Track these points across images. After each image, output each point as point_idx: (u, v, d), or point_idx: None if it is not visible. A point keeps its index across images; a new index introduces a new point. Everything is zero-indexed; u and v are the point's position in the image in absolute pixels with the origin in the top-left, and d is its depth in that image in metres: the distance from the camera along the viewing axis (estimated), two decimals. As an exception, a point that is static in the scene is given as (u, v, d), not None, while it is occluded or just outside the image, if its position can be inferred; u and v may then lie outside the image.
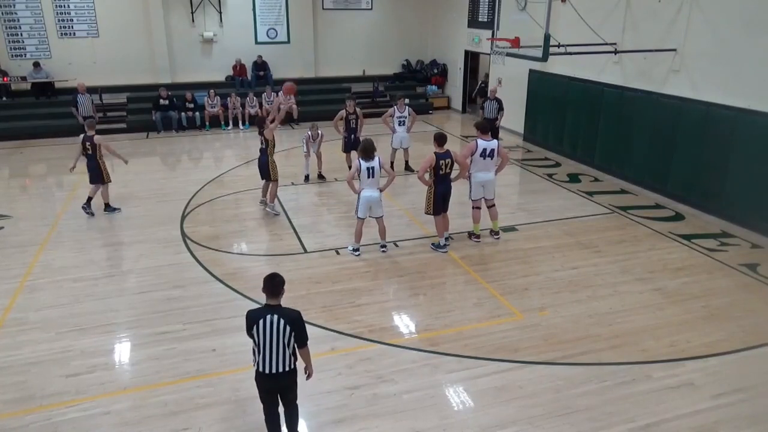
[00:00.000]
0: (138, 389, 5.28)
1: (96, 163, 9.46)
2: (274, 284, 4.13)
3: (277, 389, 4.30)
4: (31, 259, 7.96)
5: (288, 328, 4.08)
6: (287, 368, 4.17)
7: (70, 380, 5.38)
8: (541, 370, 5.56)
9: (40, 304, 6.78)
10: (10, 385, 5.32)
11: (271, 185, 9.53)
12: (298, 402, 4.49)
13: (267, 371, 4.14)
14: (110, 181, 9.78)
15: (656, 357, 5.77)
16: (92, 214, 9.57)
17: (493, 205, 8.53)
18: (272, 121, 9.34)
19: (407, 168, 11.74)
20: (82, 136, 9.62)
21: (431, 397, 5.19)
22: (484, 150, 8.09)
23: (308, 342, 4.28)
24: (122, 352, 5.90)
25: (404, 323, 6.46)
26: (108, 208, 9.77)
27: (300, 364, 4.32)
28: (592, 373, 5.52)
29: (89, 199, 9.62)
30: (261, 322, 4.07)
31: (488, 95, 12.40)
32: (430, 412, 5.00)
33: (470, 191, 8.39)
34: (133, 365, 5.68)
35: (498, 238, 8.62)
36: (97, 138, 9.46)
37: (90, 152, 9.42)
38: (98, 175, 9.52)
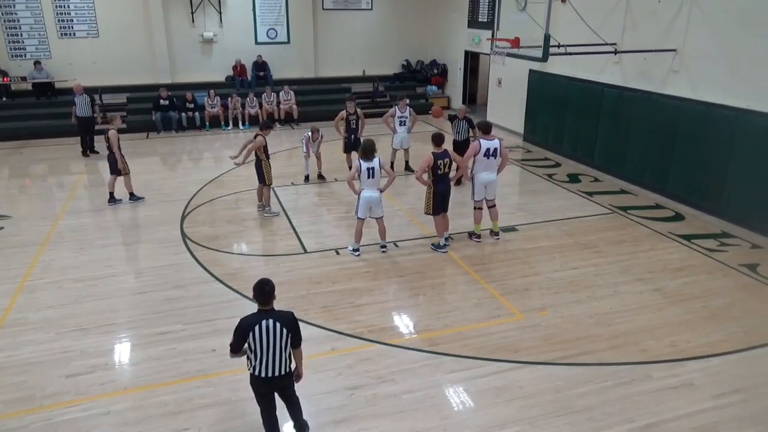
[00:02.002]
0: (138, 389, 5.28)
1: (111, 155, 9.98)
2: (264, 293, 4.09)
3: (275, 391, 4.32)
4: (31, 259, 7.96)
5: (285, 331, 4.08)
6: (285, 371, 4.18)
7: (70, 380, 5.39)
8: (541, 370, 5.56)
9: (40, 304, 6.78)
10: (10, 385, 5.32)
11: (264, 189, 9.55)
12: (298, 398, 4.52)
13: (264, 375, 4.13)
14: (127, 173, 10.19)
15: (656, 357, 5.77)
16: (120, 201, 10.20)
17: (494, 205, 8.53)
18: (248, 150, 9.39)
19: (407, 168, 11.74)
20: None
21: (431, 397, 5.19)
22: (488, 150, 8.09)
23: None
24: (122, 352, 5.90)
25: (404, 323, 6.46)
26: (132, 197, 10.29)
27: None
28: (592, 373, 5.51)
29: (111, 193, 10.17)
30: (257, 327, 4.04)
31: (457, 115, 11.00)
32: (430, 412, 5.00)
33: (473, 192, 8.39)
34: (133, 365, 5.68)
35: (498, 239, 8.62)
36: (110, 132, 9.88)
37: (107, 144, 9.95)
38: (113, 167, 10.04)
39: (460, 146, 10.63)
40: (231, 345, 4.15)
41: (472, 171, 8.29)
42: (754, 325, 6.36)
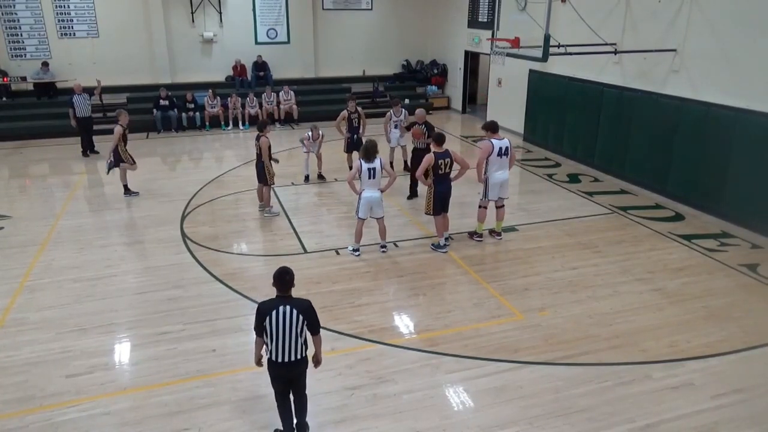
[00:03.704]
0: (138, 389, 5.28)
1: (115, 149, 10.21)
2: (284, 281, 4.25)
3: (289, 378, 4.39)
4: (31, 259, 7.96)
5: (300, 317, 4.21)
6: (299, 357, 4.28)
7: (70, 380, 5.39)
8: (541, 370, 5.56)
9: (40, 304, 6.78)
10: (10, 385, 5.32)
11: (264, 189, 9.56)
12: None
13: (280, 360, 4.24)
14: (126, 162, 10.37)
15: (656, 357, 5.77)
16: (136, 193, 10.59)
17: (503, 205, 8.52)
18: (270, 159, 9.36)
19: (407, 168, 11.74)
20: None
21: (431, 397, 5.19)
22: (500, 149, 8.07)
23: (308, 342, 4.33)
24: (122, 352, 5.90)
25: (404, 323, 6.46)
26: (125, 190, 10.52)
27: (310, 354, 4.44)
28: (592, 373, 5.51)
29: (125, 186, 10.54)
30: (274, 312, 4.18)
31: (416, 122, 10.05)
32: (430, 412, 5.00)
33: (486, 192, 8.31)
34: (133, 365, 5.68)
35: (500, 239, 8.61)
36: (117, 129, 10.13)
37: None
38: (118, 160, 10.29)
39: (421, 155, 9.02)
40: (254, 327, 4.32)
41: (485, 172, 8.22)
42: (754, 325, 6.36)
